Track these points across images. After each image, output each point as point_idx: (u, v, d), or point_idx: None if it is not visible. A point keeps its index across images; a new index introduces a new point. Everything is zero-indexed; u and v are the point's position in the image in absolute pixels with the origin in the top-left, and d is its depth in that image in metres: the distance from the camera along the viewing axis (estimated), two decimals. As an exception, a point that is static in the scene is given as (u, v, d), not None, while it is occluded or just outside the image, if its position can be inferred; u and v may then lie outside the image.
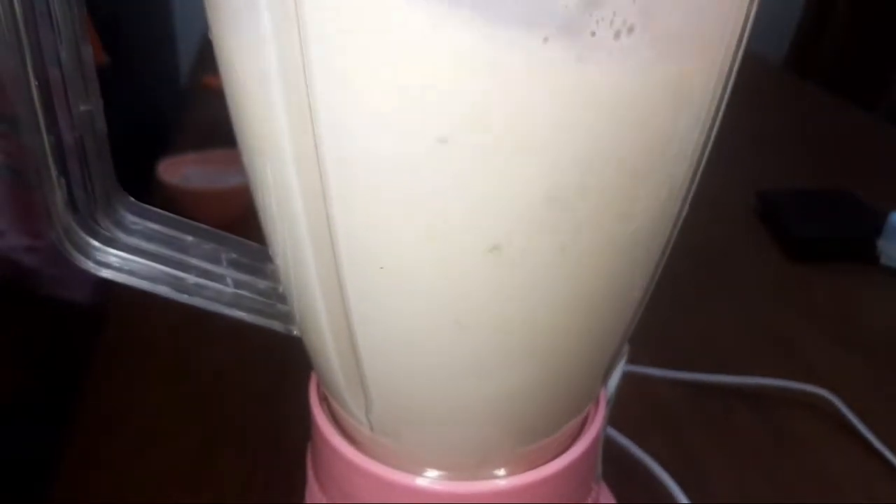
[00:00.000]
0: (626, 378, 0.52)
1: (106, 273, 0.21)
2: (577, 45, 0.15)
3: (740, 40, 0.19)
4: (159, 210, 0.22)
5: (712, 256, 0.70)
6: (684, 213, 0.22)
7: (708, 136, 0.20)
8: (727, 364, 0.55)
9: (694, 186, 0.22)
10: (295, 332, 0.23)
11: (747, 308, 0.63)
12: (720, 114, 0.21)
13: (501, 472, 0.24)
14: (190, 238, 0.22)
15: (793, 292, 0.66)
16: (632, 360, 0.51)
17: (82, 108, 0.19)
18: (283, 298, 0.23)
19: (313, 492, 0.27)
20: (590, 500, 0.26)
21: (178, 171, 0.67)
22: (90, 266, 0.21)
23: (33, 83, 0.19)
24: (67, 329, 0.67)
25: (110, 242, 0.21)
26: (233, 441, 0.47)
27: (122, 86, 0.90)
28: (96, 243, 0.21)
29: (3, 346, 0.65)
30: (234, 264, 0.23)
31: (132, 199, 0.22)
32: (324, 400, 0.25)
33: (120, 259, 0.21)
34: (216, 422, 0.49)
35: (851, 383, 0.53)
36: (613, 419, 0.46)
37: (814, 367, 0.55)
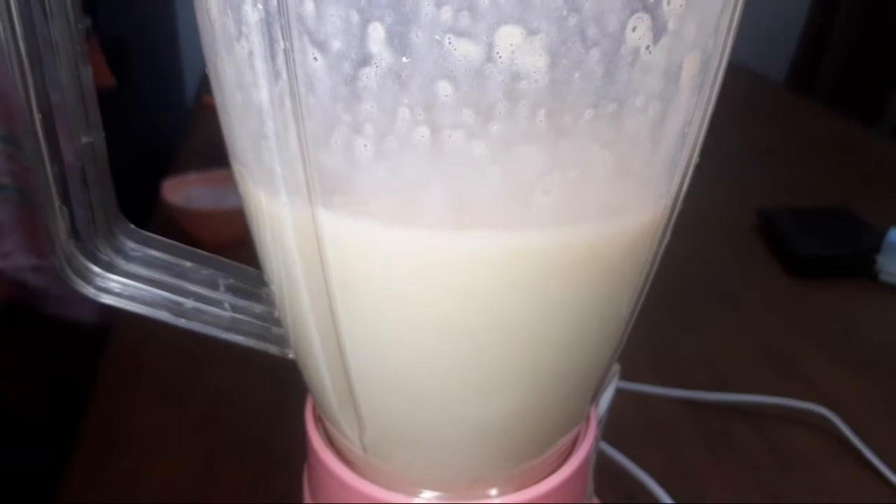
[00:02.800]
0: (625, 396, 0.52)
1: (107, 299, 0.22)
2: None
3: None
4: (159, 237, 0.23)
5: (712, 273, 0.71)
6: (668, 235, 0.22)
7: (693, 146, 0.21)
8: (726, 381, 0.55)
9: (679, 204, 0.22)
10: (290, 356, 0.24)
11: (747, 325, 0.63)
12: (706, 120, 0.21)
13: (493, 491, 0.24)
14: (188, 264, 0.23)
15: (792, 309, 0.66)
16: (630, 377, 0.52)
17: (84, 139, 0.20)
18: (278, 322, 0.24)
19: (310, 511, 0.28)
20: (582, 519, 0.27)
21: (182, 191, 0.68)
22: (91, 292, 0.21)
23: (36, 116, 0.19)
24: (72, 348, 0.68)
25: (111, 269, 0.22)
26: (234, 460, 0.47)
27: (128, 107, 0.92)
28: (97, 269, 0.21)
29: (8, 364, 0.66)
30: (231, 289, 0.23)
31: (133, 226, 0.22)
32: (319, 421, 0.26)
33: (120, 285, 0.22)
34: (218, 441, 0.49)
35: (850, 401, 0.53)
36: (611, 437, 0.47)
37: (813, 384, 0.55)
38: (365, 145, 0.16)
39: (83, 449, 0.48)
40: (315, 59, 0.16)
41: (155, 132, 1.01)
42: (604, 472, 0.33)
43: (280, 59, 0.16)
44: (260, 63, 0.16)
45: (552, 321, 0.20)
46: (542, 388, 0.22)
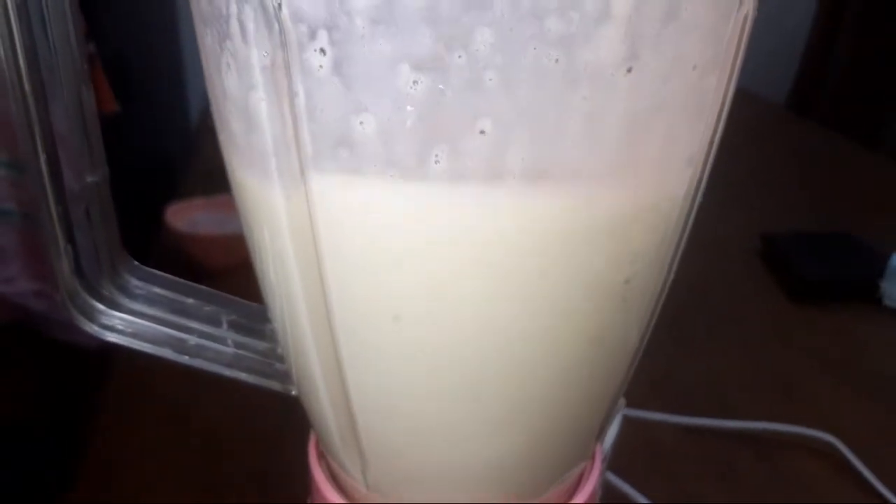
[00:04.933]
0: (627, 422, 0.52)
1: (110, 336, 0.22)
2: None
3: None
4: (163, 274, 0.23)
5: (715, 298, 0.71)
6: (675, 267, 0.22)
7: (701, 176, 0.21)
8: (730, 407, 0.55)
9: (687, 233, 0.22)
10: (293, 392, 0.24)
11: (750, 350, 0.63)
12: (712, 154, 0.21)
13: (498, 529, 0.24)
14: (191, 300, 0.23)
15: (796, 334, 0.66)
16: (633, 403, 0.51)
17: (89, 178, 0.20)
18: (281, 358, 0.24)
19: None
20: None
21: (186, 216, 0.68)
22: (95, 330, 0.21)
23: (42, 157, 0.19)
24: (74, 374, 0.68)
25: (115, 306, 0.22)
26: (235, 488, 0.47)
27: (131, 130, 0.92)
28: (101, 307, 0.21)
29: (10, 388, 0.66)
30: (234, 326, 0.23)
31: (136, 262, 0.22)
32: (322, 458, 0.26)
33: (124, 322, 0.22)
34: (219, 468, 0.49)
35: (855, 427, 0.53)
36: (614, 464, 0.46)
37: (817, 410, 0.55)
38: (361, 122, 0.16)
39: (84, 474, 0.48)
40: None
41: (159, 156, 1.01)
42: (606, 499, 0.33)
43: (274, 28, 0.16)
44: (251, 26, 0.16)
45: (558, 334, 0.19)
46: (547, 424, 0.21)
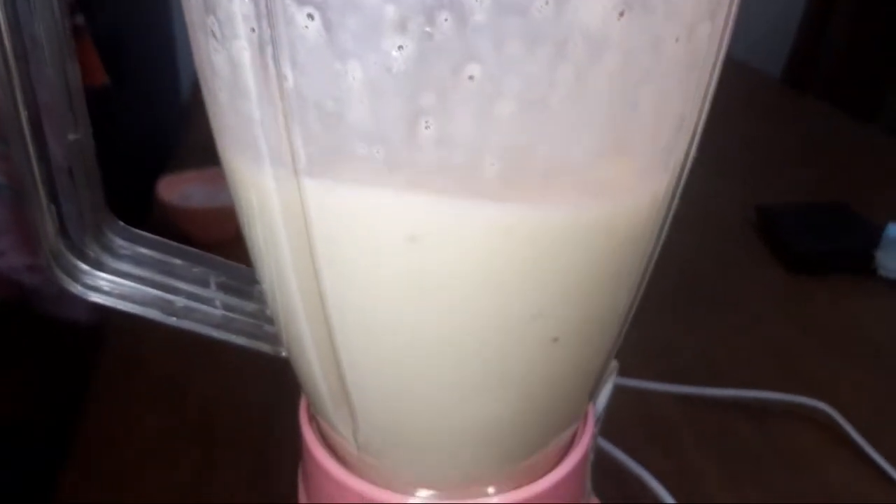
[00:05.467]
0: (623, 392, 0.52)
1: (95, 297, 0.21)
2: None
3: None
4: (149, 234, 0.23)
5: (710, 270, 0.70)
6: (666, 227, 0.22)
7: (692, 141, 0.20)
8: (725, 377, 0.55)
9: (677, 199, 0.22)
10: (283, 354, 0.24)
11: (746, 321, 0.63)
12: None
13: (490, 490, 0.24)
14: (179, 261, 0.23)
15: (791, 305, 0.66)
16: (628, 373, 0.51)
17: (71, 136, 0.20)
18: (270, 320, 0.23)
19: (304, 511, 0.27)
20: (580, 518, 0.27)
21: (178, 189, 0.67)
22: (80, 290, 0.21)
23: (23, 113, 0.19)
24: (67, 348, 0.68)
25: (100, 266, 0.21)
26: (230, 461, 0.47)
27: (123, 105, 0.91)
28: (86, 267, 0.21)
29: (2, 364, 0.66)
30: (222, 287, 0.23)
31: (122, 223, 0.22)
32: (313, 420, 0.26)
33: (109, 283, 0.21)
34: (214, 441, 0.49)
35: (850, 395, 0.53)
36: (610, 434, 0.46)
37: (812, 379, 0.55)
38: (351, 110, 0.16)
39: (77, 450, 0.48)
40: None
41: (151, 130, 1.00)
42: (602, 470, 0.33)
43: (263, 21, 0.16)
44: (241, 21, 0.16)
45: (547, 304, 0.19)
46: (539, 385, 0.21)
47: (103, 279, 0.21)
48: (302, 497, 0.27)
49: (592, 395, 0.25)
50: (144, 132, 0.94)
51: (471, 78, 0.15)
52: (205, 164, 0.69)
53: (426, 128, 0.16)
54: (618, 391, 0.53)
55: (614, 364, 0.29)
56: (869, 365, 0.58)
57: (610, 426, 0.45)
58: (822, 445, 0.50)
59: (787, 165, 0.94)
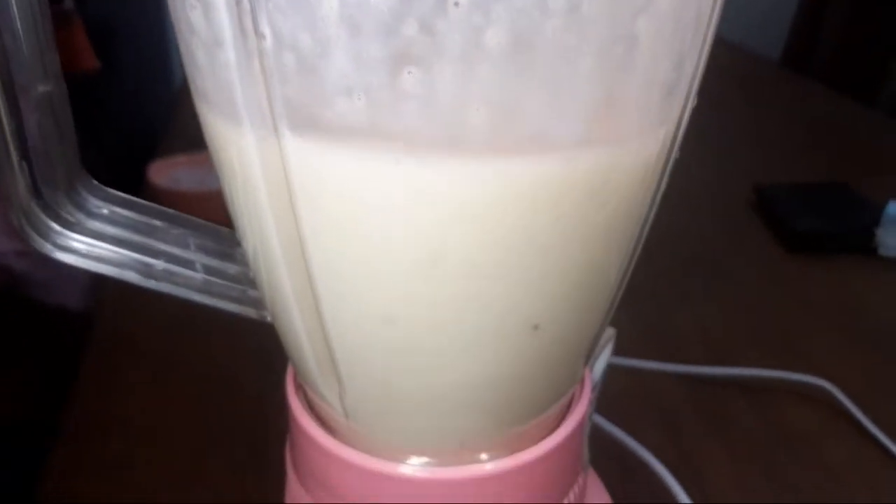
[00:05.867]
0: (621, 371, 0.51)
1: (69, 258, 0.20)
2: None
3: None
4: (125, 195, 0.22)
5: (710, 250, 0.70)
6: (664, 182, 0.21)
7: (684, 106, 0.20)
8: (725, 356, 0.54)
9: (673, 157, 0.21)
10: (268, 319, 0.23)
11: (745, 300, 0.62)
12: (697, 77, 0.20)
13: (483, 456, 0.23)
14: (158, 223, 0.22)
15: (791, 284, 0.65)
16: (626, 352, 0.51)
17: (41, 88, 0.19)
18: (254, 284, 0.23)
19: (293, 487, 0.26)
20: (576, 487, 0.26)
21: (168, 173, 0.67)
22: (52, 251, 0.20)
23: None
24: (57, 334, 0.67)
25: (74, 227, 0.21)
26: (224, 441, 0.46)
27: (114, 90, 0.90)
28: (58, 227, 0.20)
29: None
30: (203, 249, 0.22)
31: (96, 182, 0.21)
32: (300, 388, 0.25)
33: (84, 244, 0.21)
34: (207, 422, 0.48)
35: (851, 373, 0.52)
36: (608, 412, 0.46)
37: (813, 357, 0.54)
38: (330, 53, 0.15)
39: (68, 434, 0.47)
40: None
41: (143, 115, 1.00)
42: (601, 448, 0.32)
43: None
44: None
45: (538, 265, 0.19)
46: (533, 347, 0.20)
47: (77, 240, 0.21)
48: (290, 469, 0.27)
49: (588, 358, 0.24)
50: (135, 117, 0.93)
51: (456, 4, 0.14)
52: (194, 148, 0.68)
53: (409, 73, 0.15)
54: (617, 370, 0.53)
55: (612, 332, 0.28)
56: (870, 343, 0.57)
57: (607, 404, 0.44)
58: (822, 422, 0.49)
59: (786, 147, 0.93)
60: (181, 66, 0.20)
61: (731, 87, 1.02)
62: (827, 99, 1.10)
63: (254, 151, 0.18)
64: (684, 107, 0.19)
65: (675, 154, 0.21)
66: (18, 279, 0.66)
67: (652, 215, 0.22)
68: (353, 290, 0.19)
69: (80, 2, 0.81)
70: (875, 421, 0.48)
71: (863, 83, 1.27)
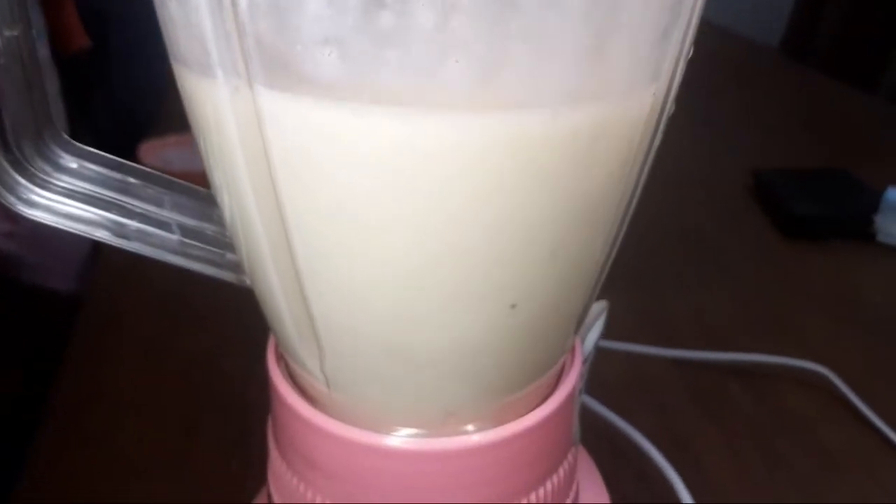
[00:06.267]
0: (616, 356, 0.50)
1: (37, 215, 0.19)
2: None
3: None
4: (98, 151, 0.21)
5: (707, 235, 0.69)
6: (657, 139, 0.20)
7: (679, 53, 0.19)
8: (722, 342, 0.54)
9: (666, 116, 0.20)
10: (247, 283, 0.22)
11: (742, 285, 0.62)
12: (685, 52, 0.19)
13: (471, 428, 0.22)
14: (132, 179, 0.21)
15: (789, 270, 0.64)
16: (621, 337, 0.50)
17: (7, 32, 0.18)
18: (232, 248, 0.22)
19: (275, 463, 0.26)
20: (566, 464, 0.25)
21: (159, 153, 0.66)
22: (20, 207, 0.19)
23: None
24: (47, 317, 0.66)
25: (43, 183, 0.20)
26: (211, 423, 0.46)
27: (107, 72, 0.89)
28: (26, 182, 0.19)
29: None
30: (179, 209, 0.21)
31: (67, 137, 0.20)
32: (281, 359, 0.24)
33: (53, 201, 0.20)
34: (195, 404, 0.47)
35: (848, 359, 0.52)
36: (602, 397, 0.45)
37: (810, 343, 0.54)
38: (305, 12, 0.14)
39: (57, 411, 0.47)
40: None
41: (134, 97, 0.98)
42: (594, 432, 0.32)
43: None
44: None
45: (519, 232, 0.18)
46: (517, 310, 0.20)
47: (46, 196, 0.20)
48: (272, 445, 0.26)
49: (578, 327, 0.23)
50: (127, 98, 0.92)
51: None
52: (186, 128, 0.67)
53: (384, 20, 0.15)
54: (613, 355, 0.52)
55: (604, 304, 0.28)
56: (868, 329, 0.56)
57: (604, 390, 0.44)
58: (819, 408, 0.49)
59: (784, 132, 0.92)
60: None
61: (730, 73, 1.01)
62: (826, 85, 1.10)
63: (228, 105, 0.17)
64: (679, 55, 0.18)
65: (668, 110, 0.20)
66: (7, 261, 0.65)
67: (641, 184, 0.21)
68: (329, 250, 0.18)
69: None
70: (872, 407, 0.47)
71: (863, 72, 1.26)
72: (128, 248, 0.20)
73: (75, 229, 0.20)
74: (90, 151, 0.20)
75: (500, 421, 0.22)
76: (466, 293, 0.19)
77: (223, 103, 0.17)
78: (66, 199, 0.20)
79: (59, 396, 0.48)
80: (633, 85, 0.18)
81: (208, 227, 0.22)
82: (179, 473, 0.42)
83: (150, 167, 0.61)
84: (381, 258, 0.18)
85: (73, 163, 0.20)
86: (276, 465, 0.26)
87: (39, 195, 0.20)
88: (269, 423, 0.26)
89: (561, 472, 0.25)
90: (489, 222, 0.18)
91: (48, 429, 0.45)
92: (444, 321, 0.19)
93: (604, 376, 0.30)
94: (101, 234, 0.20)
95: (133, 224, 0.21)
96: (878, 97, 1.18)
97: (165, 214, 0.21)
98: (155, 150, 0.66)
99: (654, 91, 0.19)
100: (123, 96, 0.90)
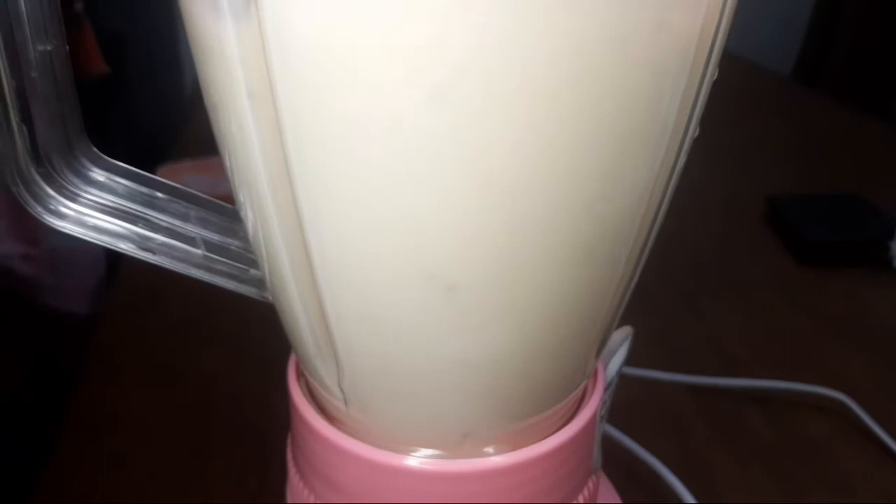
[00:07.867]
0: (633, 382, 0.50)
1: (66, 226, 0.20)
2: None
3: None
4: (127, 165, 0.21)
5: (721, 261, 0.69)
6: (676, 179, 0.20)
7: (693, 106, 0.19)
8: (738, 368, 0.53)
9: (684, 152, 0.20)
10: (269, 299, 0.22)
11: (757, 312, 0.61)
12: (706, 84, 0.19)
13: (490, 450, 0.22)
14: (159, 195, 0.21)
15: (804, 296, 0.64)
16: (641, 363, 0.50)
17: (41, 47, 0.18)
18: (255, 263, 0.22)
19: (294, 483, 0.26)
20: (586, 490, 0.25)
21: (176, 178, 0.66)
22: (49, 219, 0.19)
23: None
24: (62, 340, 0.66)
25: (71, 195, 0.20)
26: (225, 446, 0.46)
27: (126, 97, 0.90)
28: (55, 194, 0.20)
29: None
30: (204, 224, 0.21)
31: (97, 150, 0.20)
32: (301, 377, 0.24)
33: (81, 213, 0.20)
34: (209, 426, 0.47)
35: (866, 385, 0.51)
36: (620, 423, 0.45)
37: (827, 370, 0.53)
38: None
39: (69, 433, 0.46)
40: None
41: (153, 123, 1.00)
42: (613, 459, 0.31)
43: None
44: None
45: (551, 249, 0.18)
46: (537, 330, 0.19)
47: (74, 208, 0.20)
48: (291, 465, 0.26)
49: (599, 350, 0.23)
50: (145, 124, 0.93)
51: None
52: (203, 153, 0.68)
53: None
54: (629, 381, 0.52)
55: (628, 329, 0.27)
56: (886, 355, 0.56)
57: (620, 415, 0.43)
58: (837, 435, 0.48)
59: (798, 159, 0.92)
60: (192, 74, 0.19)
61: (743, 101, 1.02)
62: (838, 112, 1.10)
63: (234, 41, 0.16)
64: (704, 74, 0.18)
65: (693, 132, 0.20)
66: (23, 283, 0.66)
67: (665, 204, 0.21)
68: (351, 268, 0.18)
69: (91, 8, 0.81)
70: (890, 433, 0.47)
71: (873, 99, 1.26)
72: (153, 262, 0.21)
73: (102, 241, 0.20)
74: (119, 165, 0.21)
75: (518, 444, 0.22)
76: (486, 316, 0.19)
77: (230, 39, 0.16)
78: (94, 212, 0.20)
79: (73, 417, 0.48)
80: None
81: (232, 243, 0.22)
82: (196, 495, 0.42)
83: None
84: (402, 257, 0.18)
85: (101, 176, 0.20)
86: (294, 483, 0.26)
87: (68, 207, 0.20)
88: (289, 443, 0.26)
89: (580, 498, 0.25)
90: (509, 245, 0.17)
91: (62, 450, 0.45)
92: (464, 344, 0.19)
93: (620, 401, 0.30)
94: (127, 247, 0.20)
95: (158, 238, 0.21)
96: (889, 123, 1.18)
97: (191, 229, 0.21)
98: (171, 176, 0.66)
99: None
100: (142, 123, 0.92)
